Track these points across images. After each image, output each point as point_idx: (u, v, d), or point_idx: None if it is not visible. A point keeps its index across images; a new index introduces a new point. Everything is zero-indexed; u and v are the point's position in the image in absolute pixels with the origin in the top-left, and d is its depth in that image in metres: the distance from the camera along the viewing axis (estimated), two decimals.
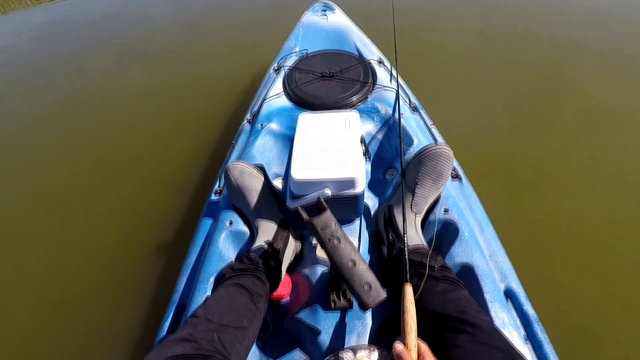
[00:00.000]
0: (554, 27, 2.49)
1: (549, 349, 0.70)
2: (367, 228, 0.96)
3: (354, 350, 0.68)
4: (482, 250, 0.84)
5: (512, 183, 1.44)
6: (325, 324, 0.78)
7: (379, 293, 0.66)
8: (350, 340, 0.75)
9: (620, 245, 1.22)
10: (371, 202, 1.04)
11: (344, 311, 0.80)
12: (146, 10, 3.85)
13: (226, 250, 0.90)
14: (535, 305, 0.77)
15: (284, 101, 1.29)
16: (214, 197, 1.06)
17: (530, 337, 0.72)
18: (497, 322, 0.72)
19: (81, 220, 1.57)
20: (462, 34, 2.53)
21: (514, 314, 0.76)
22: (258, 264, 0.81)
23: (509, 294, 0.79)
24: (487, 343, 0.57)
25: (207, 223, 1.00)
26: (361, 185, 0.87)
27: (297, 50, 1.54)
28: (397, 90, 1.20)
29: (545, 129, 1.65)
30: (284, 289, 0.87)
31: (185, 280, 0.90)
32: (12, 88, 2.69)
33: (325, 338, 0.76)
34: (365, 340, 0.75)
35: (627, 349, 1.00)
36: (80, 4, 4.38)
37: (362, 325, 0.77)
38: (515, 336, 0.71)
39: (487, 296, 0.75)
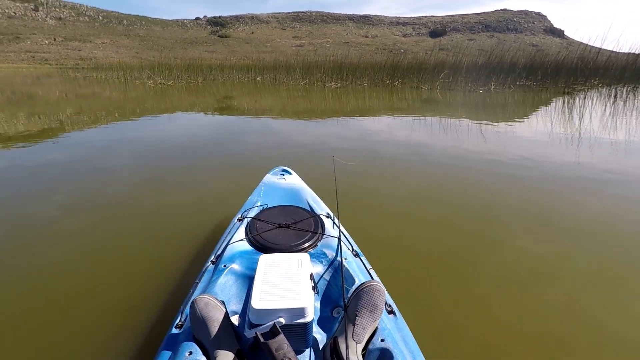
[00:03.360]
0: (482, 192, 3.19)
1: None
2: None
3: None
4: None
5: (445, 323, 1.60)
6: None
7: None
8: None
9: None
10: (320, 337, 1.14)
11: None
12: (108, 162, 4.13)
13: None
14: None
15: (245, 245, 1.47)
16: (174, 330, 1.10)
17: None
18: None
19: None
20: (398, 195, 3.12)
21: None
22: None
23: None
24: None
25: (165, 355, 1.00)
26: (310, 315, 1.02)
27: (259, 204, 1.83)
28: (339, 238, 1.47)
29: (472, 278, 1.91)
30: None
31: None
32: None
33: None
34: None
35: None
36: (38, 151, 4.57)
37: None
38: None
39: None
